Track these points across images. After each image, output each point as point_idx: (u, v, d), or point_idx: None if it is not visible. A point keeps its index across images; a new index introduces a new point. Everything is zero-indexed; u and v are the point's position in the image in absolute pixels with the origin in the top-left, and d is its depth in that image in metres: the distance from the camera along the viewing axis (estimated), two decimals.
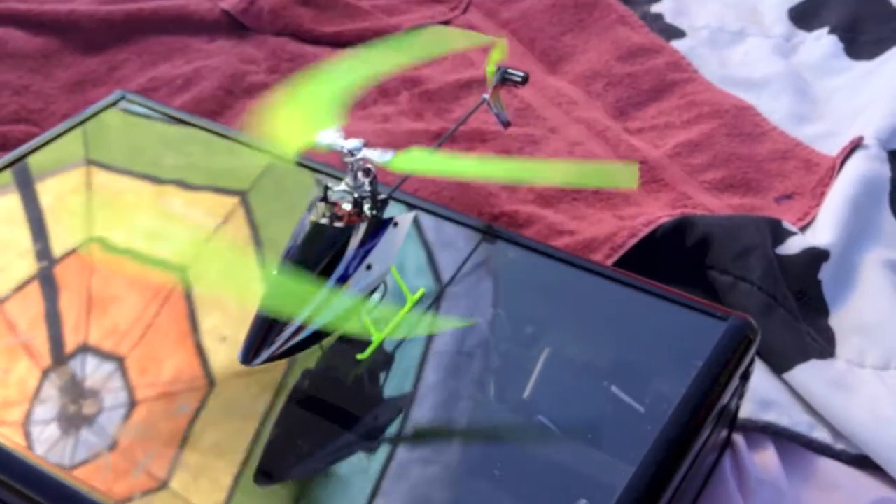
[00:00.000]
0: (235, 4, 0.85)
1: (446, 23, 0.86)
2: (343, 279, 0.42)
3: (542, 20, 0.84)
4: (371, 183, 0.44)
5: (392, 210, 0.47)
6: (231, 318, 0.47)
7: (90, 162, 0.57)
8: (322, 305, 0.42)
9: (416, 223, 0.51)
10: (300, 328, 0.41)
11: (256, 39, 0.83)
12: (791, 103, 0.76)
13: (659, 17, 0.86)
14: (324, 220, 0.43)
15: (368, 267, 0.43)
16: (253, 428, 0.42)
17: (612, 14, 0.83)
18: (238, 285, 0.48)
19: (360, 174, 0.44)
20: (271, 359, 0.41)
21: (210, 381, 0.44)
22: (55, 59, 0.79)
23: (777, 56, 0.81)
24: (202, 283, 0.49)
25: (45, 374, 0.44)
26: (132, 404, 0.43)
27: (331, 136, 0.44)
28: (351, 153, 0.44)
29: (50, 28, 0.80)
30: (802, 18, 0.85)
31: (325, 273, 0.42)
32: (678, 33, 0.83)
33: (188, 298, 0.48)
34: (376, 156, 0.44)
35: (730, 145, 0.70)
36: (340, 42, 0.83)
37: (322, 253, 0.42)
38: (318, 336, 0.42)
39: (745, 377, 0.46)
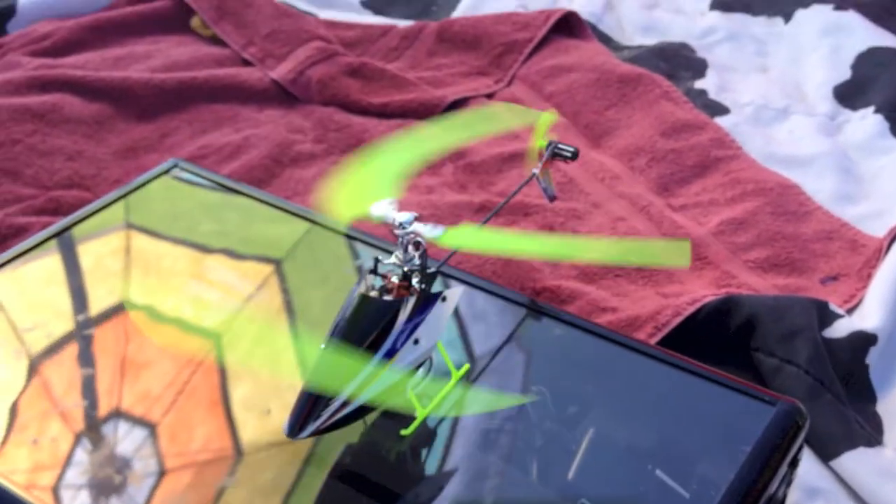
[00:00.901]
0: (284, 74, 0.87)
1: (490, 96, 0.87)
2: (391, 353, 0.42)
3: (586, 94, 0.84)
4: (421, 256, 0.44)
5: (437, 284, 0.47)
6: (266, 387, 0.47)
7: (131, 227, 0.58)
8: (368, 380, 0.42)
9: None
10: (346, 402, 0.41)
11: (304, 109, 0.84)
12: (836, 182, 0.75)
13: (703, 92, 0.86)
14: (373, 293, 0.43)
15: (416, 341, 0.43)
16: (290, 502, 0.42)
17: (656, 89, 0.84)
18: (271, 355, 0.48)
19: (410, 247, 0.44)
20: (317, 432, 0.41)
21: (244, 451, 0.44)
22: (108, 125, 0.80)
23: (822, 135, 0.81)
24: (235, 352, 0.49)
25: (77, 438, 0.45)
26: (162, 473, 0.43)
27: (384, 209, 0.45)
28: (402, 226, 0.44)
29: (104, 94, 0.82)
30: (847, 97, 0.85)
31: (373, 346, 0.42)
32: (722, 109, 0.84)
33: (221, 367, 0.48)
34: (427, 230, 0.44)
35: (774, 224, 0.70)
36: (387, 113, 0.84)
37: (371, 326, 0.42)
38: (363, 410, 0.42)
39: (794, 464, 0.46)
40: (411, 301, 0.43)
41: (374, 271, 0.44)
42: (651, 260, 0.57)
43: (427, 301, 0.44)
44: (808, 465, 0.52)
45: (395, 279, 0.44)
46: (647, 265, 0.62)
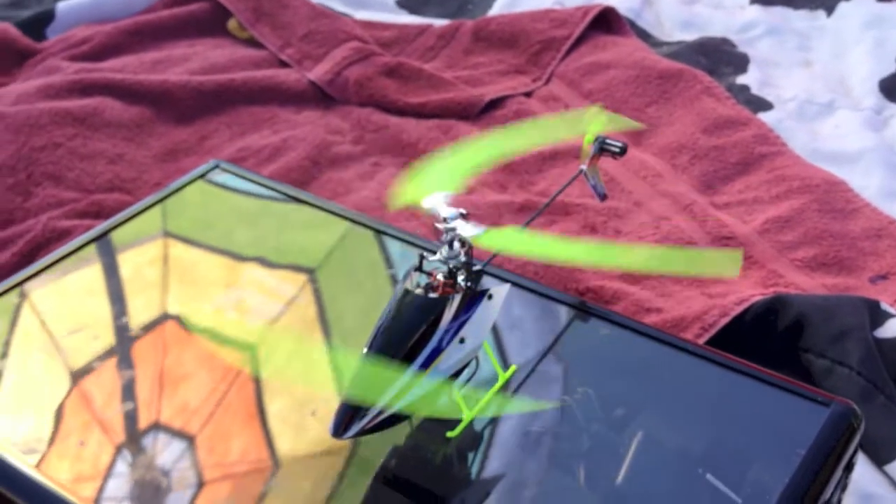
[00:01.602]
0: (322, 76, 0.86)
1: (528, 94, 0.86)
2: (436, 352, 0.42)
3: (626, 91, 0.83)
4: (466, 254, 0.44)
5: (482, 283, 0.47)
6: (306, 395, 0.47)
7: (169, 235, 0.58)
8: (413, 380, 0.41)
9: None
10: (394, 400, 0.41)
11: (342, 110, 0.84)
12: (883, 179, 0.74)
13: (745, 88, 0.85)
14: (418, 291, 0.42)
15: (462, 340, 0.43)
16: None
17: (697, 85, 0.83)
18: (307, 364, 0.48)
19: (456, 244, 0.44)
20: (362, 433, 0.41)
21: (290, 455, 0.44)
22: (148, 128, 0.81)
23: (868, 129, 0.79)
24: (271, 362, 0.49)
25: (118, 449, 0.44)
26: (200, 484, 0.43)
27: (435, 201, 0.44)
28: (445, 220, 0.43)
29: (143, 98, 0.82)
30: (893, 91, 0.83)
31: (418, 345, 0.41)
32: (765, 105, 0.83)
33: (257, 378, 0.48)
34: (468, 228, 0.44)
35: (821, 222, 0.68)
36: (425, 113, 0.83)
37: (416, 324, 0.41)
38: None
39: (849, 468, 0.45)
40: (457, 299, 0.43)
41: (419, 269, 0.43)
42: (699, 269, 0.55)
43: (473, 299, 0.44)
44: (862, 470, 0.51)
45: (440, 276, 0.44)
46: (695, 275, 0.60)
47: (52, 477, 0.43)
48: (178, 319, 0.52)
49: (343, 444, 0.43)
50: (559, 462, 0.44)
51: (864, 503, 0.49)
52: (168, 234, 0.58)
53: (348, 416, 0.40)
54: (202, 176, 0.62)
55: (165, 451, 0.44)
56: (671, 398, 0.47)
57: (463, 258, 0.44)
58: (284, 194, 0.61)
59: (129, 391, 0.47)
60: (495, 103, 0.84)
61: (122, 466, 0.44)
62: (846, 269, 0.65)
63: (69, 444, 0.45)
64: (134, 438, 0.45)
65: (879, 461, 0.52)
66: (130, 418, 0.46)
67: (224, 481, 0.43)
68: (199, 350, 0.50)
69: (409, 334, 0.41)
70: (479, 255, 0.50)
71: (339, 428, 0.40)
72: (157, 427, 0.45)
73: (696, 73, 0.84)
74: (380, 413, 0.41)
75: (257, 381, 0.47)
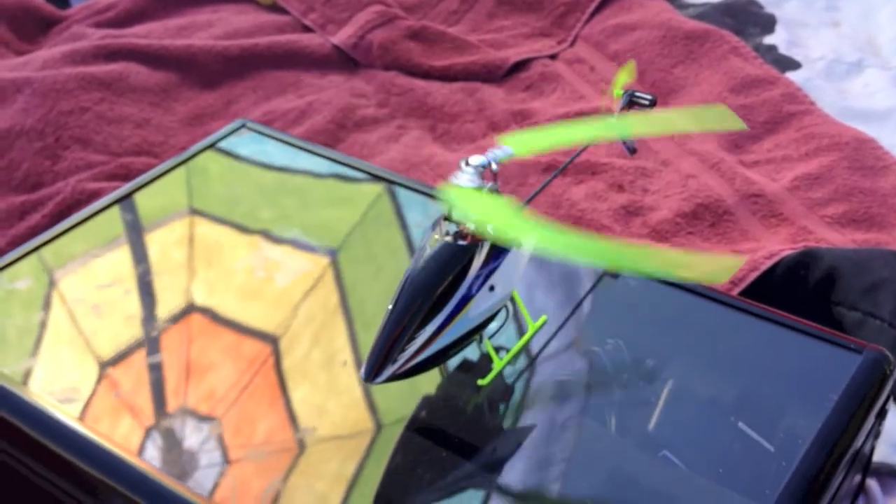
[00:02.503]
0: (345, 40, 0.86)
1: (553, 57, 0.86)
2: (466, 299, 0.42)
3: (652, 52, 0.83)
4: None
5: None
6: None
7: (194, 212, 0.57)
8: (444, 325, 0.41)
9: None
10: (423, 347, 0.41)
11: (366, 74, 0.84)
12: None
13: (773, 48, 0.84)
14: (448, 239, 0.42)
15: (491, 288, 0.43)
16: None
17: (724, 45, 0.82)
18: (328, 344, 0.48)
19: (485, 192, 0.43)
20: (394, 377, 0.41)
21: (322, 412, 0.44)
22: (174, 93, 0.81)
23: None
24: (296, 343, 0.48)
25: (147, 432, 0.44)
26: (227, 461, 0.42)
27: (489, 153, 0.44)
28: (471, 166, 0.43)
29: (169, 63, 0.83)
30: None
31: (448, 291, 0.41)
32: (793, 64, 0.82)
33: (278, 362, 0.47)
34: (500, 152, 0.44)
35: (851, 179, 0.68)
36: (449, 76, 0.83)
37: (445, 271, 0.41)
38: (439, 357, 0.42)
39: (882, 415, 0.44)
40: (486, 246, 0.43)
41: (448, 217, 0.43)
42: (696, 275, 0.52)
43: (502, 248, 0.44)
44: (895, 420, 0.51)
45: (469, 225, 0.43)
46: (693, 280, 0.56)
47: (92, 427, 0.43)
48: (198, 305, 0.51)
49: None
50: (591, 411, 0.43)
51: None
52: (191, 212, 0.57)
53: (380, 362, 0.40)
54: (230, 135, 0.62)
55: (193, 434, 0.44)
56: (703, 349, 0.46)
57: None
58: (312, 153, 0.60)
59: (157, 376, 0.47)
60: (520, 66, 0.84)
61: (160, 420, 0.44)
62: (877, 224, 0.65)
63: (108, 396, 0.45)
64: (162, 420, 0.45)
65: None
66: (158, 402, 0.46)
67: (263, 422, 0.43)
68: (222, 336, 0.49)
69: (439, 280, 0.41)
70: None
71: (371, 373, 0.40)
72: (184, 412, 0.46)
73: (722, 34, 0.83)
74: (411, 358, 0.41)
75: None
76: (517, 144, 0.44)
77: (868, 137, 0.72)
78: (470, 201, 0.42)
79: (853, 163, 0.69)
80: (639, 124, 0.53)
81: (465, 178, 0.42)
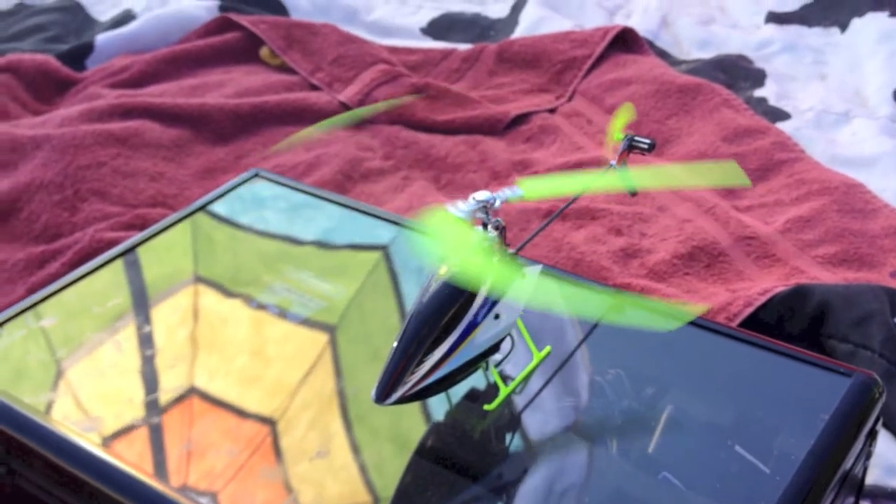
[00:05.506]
0: (352, 97, 0.90)
1: (552, 111, 0.89)
2: (472, 326, 0.44)
3: (647, 105, 0.86)
4: (500, 235, 0.46)
5: None
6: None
7: (198, 280, 0.58)
8: (451, 350, 0.43)
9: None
10: (431, 371, 0.43)
11: (372, 129, 0.87)
12: None
13: (763, 100, 0.87)
14: (455, 269, 0.44)
15: (496, 316, 0.45)
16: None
17: (716, 97, 0.85)
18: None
19: (490, 227, 0.46)
20: (403, 399, 0.43)
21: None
22: (187, 148, 0.84)
23: (885, 136, 0.81)
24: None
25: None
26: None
27: (485, 193, 0.46)
28: (475, 200, 0.45)
29: (182, 120, 0.86)
30: None
31: (455, 319, 0.44)
32: (783, 115, 0.85)
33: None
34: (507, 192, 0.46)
35: (841, 221, 0.70)
36: (451, 129, 0.86)
37: (452, 299, 0.44)
38: (447, 381, 0.44)
39: (872, 436, 0.46)
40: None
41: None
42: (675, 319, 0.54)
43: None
44: (886, 446, 0.53)
45: None
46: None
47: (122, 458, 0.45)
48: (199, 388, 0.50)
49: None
50: (594, 435, 0.45)
51: (891, 475, 0.51)
52: (196, 280, 0.57)
53: (390, 384, 0.42)
54: (243, 183, 0.65)
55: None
56: (700, 376, 0.48)
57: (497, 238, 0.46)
58: (321, 198, 0.63)
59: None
60: (520, 119, 0.87)
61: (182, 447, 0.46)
62: (867, 264, 0.67)
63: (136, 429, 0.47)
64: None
65: None
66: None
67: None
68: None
69: (446, 308, 0.43)
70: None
71: (382, 394, 0.42)
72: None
73: (714, 87, 0.87)
74: (420, 381, 0.43)
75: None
76: (528, 188, 0.46)
77: (857, 182, 0.75)
78: (446, 226, 0.44)
79: (843, 206, 0.72)
80: (646, 178, 0.55)
81: (457, 207, 0.45)
